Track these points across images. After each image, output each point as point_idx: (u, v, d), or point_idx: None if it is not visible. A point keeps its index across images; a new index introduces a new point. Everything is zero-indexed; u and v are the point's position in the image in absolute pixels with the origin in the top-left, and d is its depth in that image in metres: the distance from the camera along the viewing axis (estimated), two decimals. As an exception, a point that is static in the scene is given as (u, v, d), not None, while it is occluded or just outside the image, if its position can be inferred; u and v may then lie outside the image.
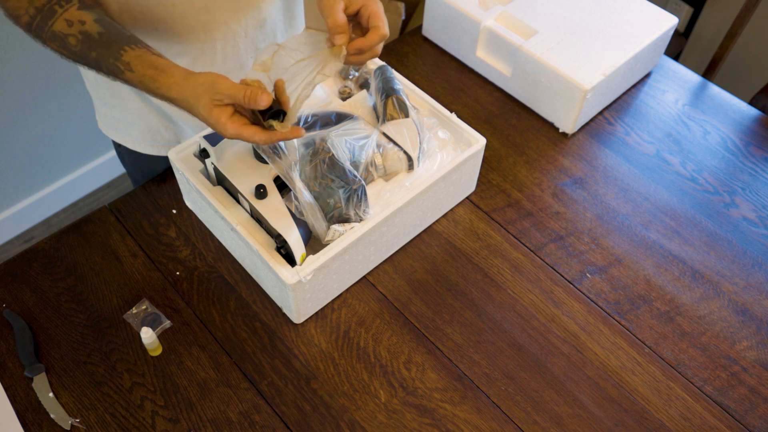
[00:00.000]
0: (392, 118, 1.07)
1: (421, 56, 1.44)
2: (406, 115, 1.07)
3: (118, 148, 1.23)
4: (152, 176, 1.19)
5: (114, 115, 1.15)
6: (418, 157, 1.05)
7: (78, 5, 0.85)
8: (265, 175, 0.99)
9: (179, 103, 0.83)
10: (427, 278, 1.08)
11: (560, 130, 1.30)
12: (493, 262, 1.10)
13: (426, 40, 1.47)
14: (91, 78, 1.10)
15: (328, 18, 0.83)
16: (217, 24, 1.00)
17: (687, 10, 2.19)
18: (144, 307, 1.03)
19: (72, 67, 1.88)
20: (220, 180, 1.03)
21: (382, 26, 0.83)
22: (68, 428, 0.92)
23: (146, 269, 1.08)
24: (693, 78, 1.41)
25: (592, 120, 1.32)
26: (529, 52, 1.25)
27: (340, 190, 0.96)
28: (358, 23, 0.87)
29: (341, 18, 0.83)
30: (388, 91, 1.09)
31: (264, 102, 0.79)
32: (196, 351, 0.99)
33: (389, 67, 1.14)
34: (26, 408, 0.94)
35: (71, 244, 1.10)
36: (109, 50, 0.83)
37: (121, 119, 1.14)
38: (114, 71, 0.84)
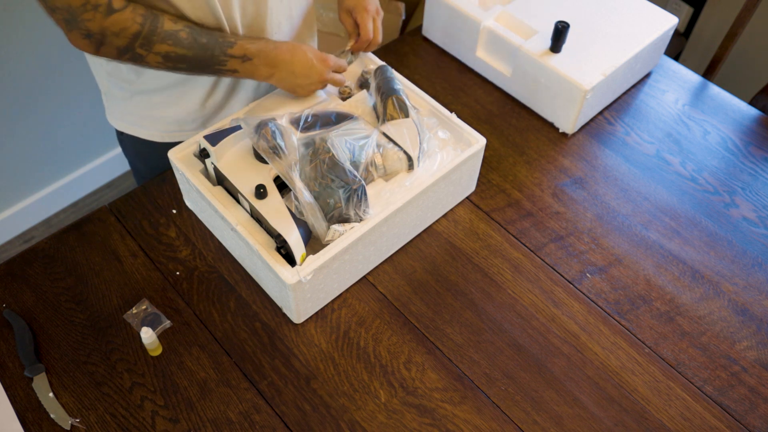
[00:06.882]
0: (392, 118, 1.07)
1: (421, 56, 1.44)
2: (406, 115, 1.07)
3: (122, 139, 1.23)
4: (156, 164, 1.20)
5: (126, 108, 1.15)
6: (418, 157, 1.05)
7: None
8: (265, 175, 0.99)
9: (285, 47, 1.03)
10: (427, 278, 1.08)
11: (560, 130, 1.30)
12: (493, 262, 1.10)
13: (426, 40, 1.47)
14: (105, 70, 1.10)
15: (349, 31, 1.19)
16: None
17: (687, 10, 2.19)
18: (144, 307, 1.03)
19: (72, 67, 1.88)
20: (220, 180, 1.03)
21: (364, 35, 1.15)
22: (68, 428, 0.92)
23: (146, 269, 1.08)
24: (693, 78, 1.41)
25: (592, 120, 1.32)
26: (529, 52, 1.25)
27: (340, 190, 0.96)
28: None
29: (355, 32, 1.18)
30: (388, 91, 1.09)
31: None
32: (196, 351, 0.99)
33: (389, 67, 1.14)
34: (26, 408, 0.94)
35: (71, 244, 1.10)
36: (214, 32, 0.97)
37: (132, 111, 1.15)
38: (225, 46, 0.97)
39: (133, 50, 0.92)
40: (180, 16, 0.96)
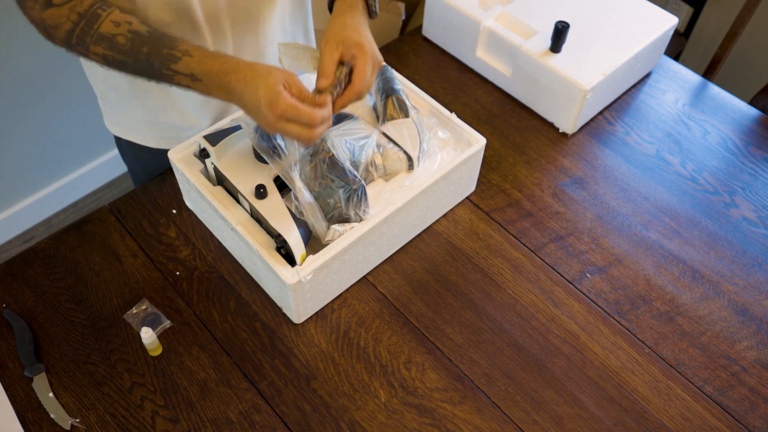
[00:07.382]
0: (392, 118, 1.07)
1: (421, 56, 1.44)
2: (406, 115, 1.07)
3: (120, 144, 1.24)
4: (154, 169, 1.20)
5: (122, 113, 1.15)
6: (418, 157, 1.05)
7: (119, 9, 0.88)
8: (265, 175, 0.99)
9: (241, 74, 0.85)
10: (427, 278, 1.08)
11: (560, 130, 1.30)
12: (493, 262, 1.10)
13: (426, 40, 1.47)
14: (100, 74, 1.10)
15: (321, 64, 0.91)
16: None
17: (687, 10, 2.19)
18: (144, 307, 1.03)
19: (72, 67, 1.88)
20: (220, 180, 1.03)
21: (358, 83, 0.91)
22: (68, 428, 0.92)
23: (146, 269, 1.08)
24: (693, 78, 1.41)
25: (592, 120, 1.32)
26: (529, 52, 1.25)
27: (340, 190, 0.96)
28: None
29: (331, 70, 0.91)
30: (388, 91, 1.09)
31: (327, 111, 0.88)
32: (196, 351, 0.99)
33: (389, 67, 1.14)
34: (26, 408, 0.94)
35: (71, 244, 1.10)
36: (162, 42, 0.86)
37: (129, 115, 1.15)
38: (168, 60, 0.86)
39: (72, 47, 0.89)
40: (139, 16, 0.90)
